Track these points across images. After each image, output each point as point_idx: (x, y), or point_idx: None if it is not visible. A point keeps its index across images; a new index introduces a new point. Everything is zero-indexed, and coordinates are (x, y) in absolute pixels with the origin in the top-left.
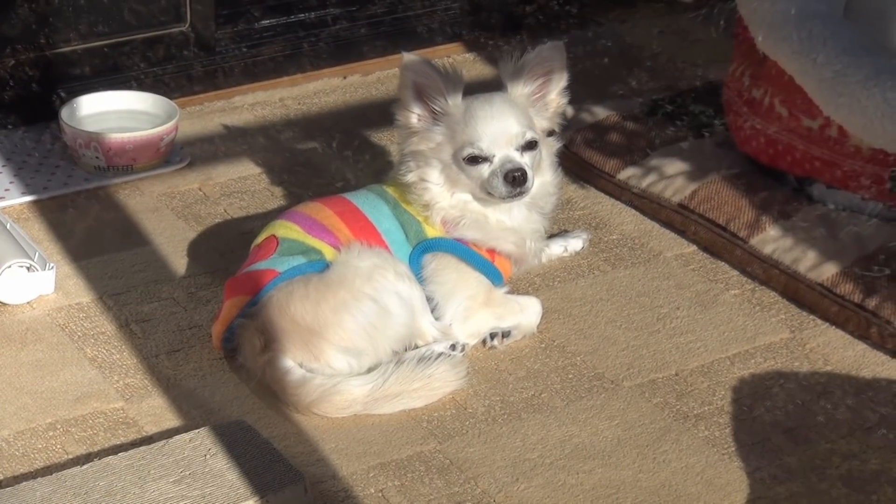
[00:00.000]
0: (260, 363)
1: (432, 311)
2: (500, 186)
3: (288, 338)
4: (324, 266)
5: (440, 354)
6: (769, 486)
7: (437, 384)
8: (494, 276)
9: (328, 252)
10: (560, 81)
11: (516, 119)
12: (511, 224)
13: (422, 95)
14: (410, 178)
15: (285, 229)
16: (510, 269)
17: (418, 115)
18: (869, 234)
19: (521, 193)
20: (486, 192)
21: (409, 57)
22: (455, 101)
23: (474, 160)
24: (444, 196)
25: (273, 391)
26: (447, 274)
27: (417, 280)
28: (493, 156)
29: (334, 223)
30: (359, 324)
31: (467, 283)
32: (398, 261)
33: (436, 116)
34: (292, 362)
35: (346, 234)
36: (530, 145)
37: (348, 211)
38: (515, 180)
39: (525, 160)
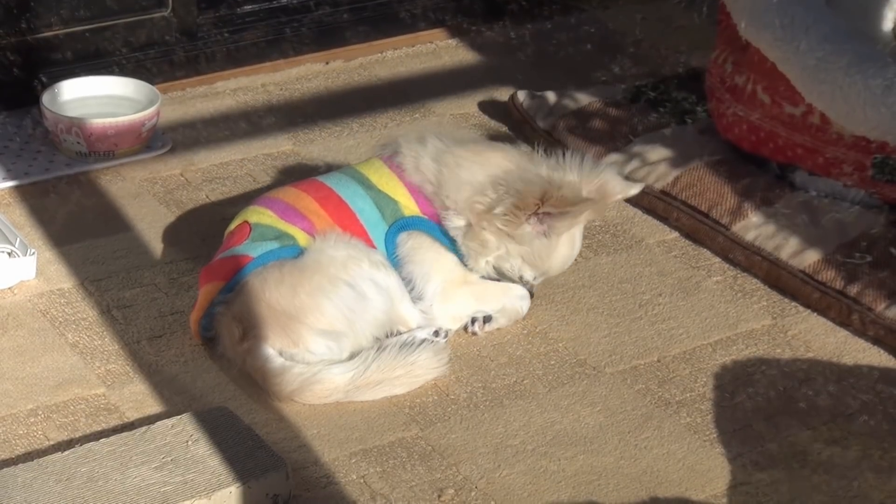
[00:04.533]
0: (240, 352)
1: (410, 291)
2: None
3: (266, 324)
4: (297, 251)
5: (423, 341)
6: (750, 473)
7: (419, 371)
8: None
9: (302, 238)
10: None
11: None
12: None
13: (561, 220)
14: (486, 237)
15: (258, 215)
16: None
17: (532, 227)
18: (851, 222)
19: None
20: (505, 274)
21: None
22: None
23: (528, 281)
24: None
25: (254, 380)
26: (423, 253)
27: (393, 260)
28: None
29: (308, 205)
30: (336, 307)
31: (444, 264)
32: (373, 250)
33: (538, 225)
34: (272, 350)
35: (321, 214)
36: None
37: (322, 192)
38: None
39: None
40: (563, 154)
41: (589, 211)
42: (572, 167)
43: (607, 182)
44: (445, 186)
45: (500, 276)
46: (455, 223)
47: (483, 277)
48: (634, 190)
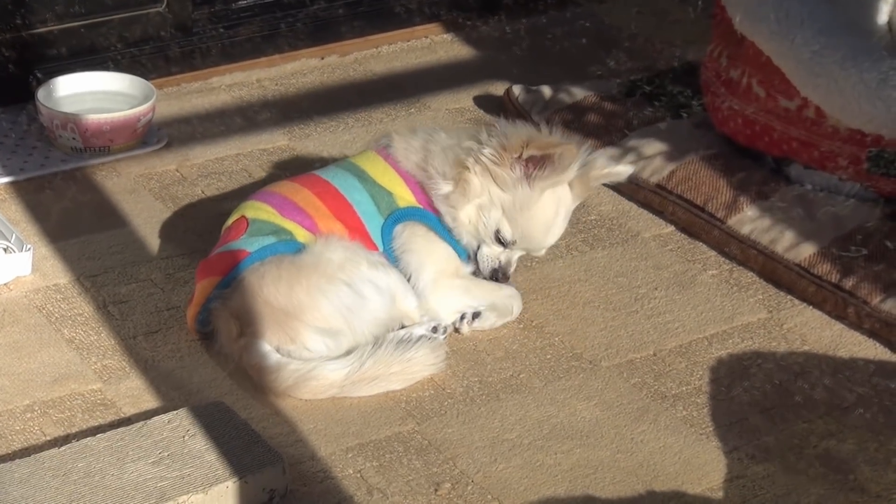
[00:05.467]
0: (236, 349)
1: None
2: (486, 265)
3: (262, 321)
4: (295, 247)
5: (420, 337)
6: (747, 466)
7: (416, 368)
8: (461, 251)
9: (300, 233)
10: None
11: None
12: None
13: (543, 169)
14: (472, 181)
15: (255, 210)
16: None
17: (517, 173)
18: (846, 215)
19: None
20: (481, 239)
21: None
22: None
23: (505, 241)
24: (462, 202)
25: (251, 375)
26: (418, 242)
27: (389, 252)
28: (515, 247)
29: (305, 198)
30: (334, 305)
31: (437, 253)
32: (371, 252)
33: (527, 178)
34: (268, 347)
35: (319, 208)
36: None
37: (319, 185)
38: (495, 273)
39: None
40: (551, 127)
41: (572, 169)
42: (557, 133)
43: (594, 158)
44: (432, 161)
45: (478, 237)
46: (442, 189)
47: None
48: (622, 168)
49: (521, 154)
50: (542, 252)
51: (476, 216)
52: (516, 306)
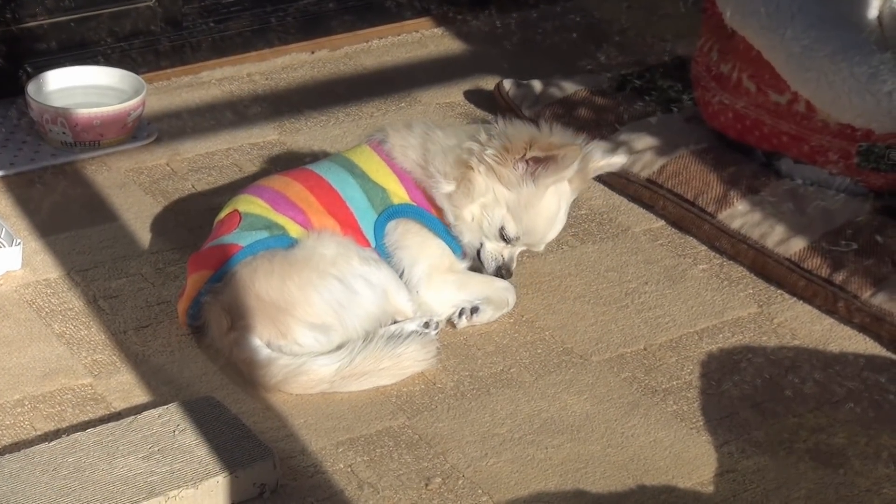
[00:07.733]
0: (227, 343)
1: (399, 277)
2: (490, 263)
3: (254, 315)
4: (287, 242)
5: (411, 333)
6: (737, 460)
7: (406, 363)
8: (455, 246)
9: (292, 228)
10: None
11: None
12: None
13: (546, 168)
14: (476, 181)
15: (248, 204)
16: None
17: (520, 171)
18: (836, 209)
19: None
20: (484, 236)
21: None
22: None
23: (509, 238)
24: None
25: (241, 370)
26: (411, 238)
27: (382, 248)
28: (518, 243)
29: (298, 192)
30: (325, 300)
31: (430, 249)
32: (363, 248)
33: (531, 176)
34: (259, 341)
35: (311, 202)
36: None
37: (312, 180)
38: (499, 270)
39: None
40: (550, 125)
41: (574, 167)
42: (557, 132)
43: (591, 151)
44: (433, 161)
45: (481, 234)
46: (444, 189)
47: (469, 268)
48: (617, 159)
49: (525, 155)
50: (542, 247)
51: (480, 214)
52: (511, 298)
